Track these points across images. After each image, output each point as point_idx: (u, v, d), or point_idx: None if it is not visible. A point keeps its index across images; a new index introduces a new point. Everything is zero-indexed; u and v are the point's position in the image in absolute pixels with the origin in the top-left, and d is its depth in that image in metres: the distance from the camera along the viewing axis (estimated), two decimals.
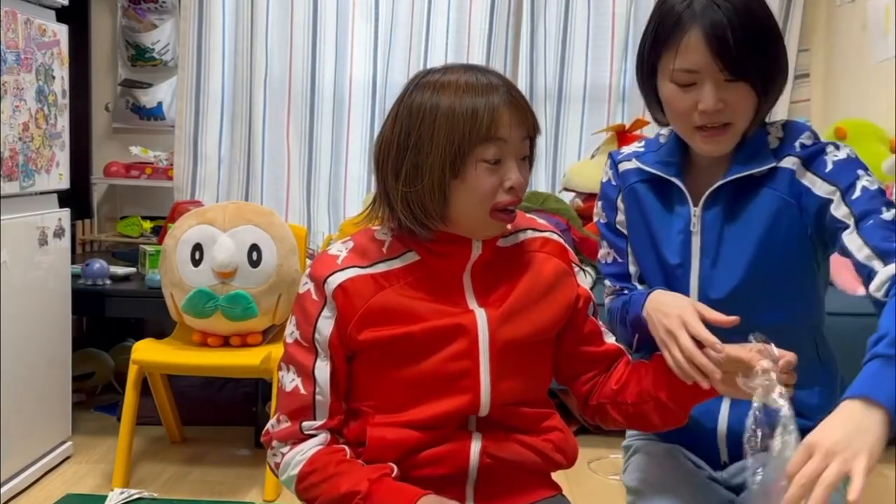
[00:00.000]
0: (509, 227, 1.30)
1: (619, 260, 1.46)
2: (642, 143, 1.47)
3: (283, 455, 1.24)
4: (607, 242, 1.48)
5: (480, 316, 1.23)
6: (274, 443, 1.26)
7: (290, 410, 1.25)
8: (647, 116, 3.73)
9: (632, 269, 1.45)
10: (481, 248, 1.24)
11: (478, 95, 1.17)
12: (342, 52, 3.81)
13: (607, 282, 1.48)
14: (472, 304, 1.24)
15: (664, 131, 1.44)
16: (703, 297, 1.32)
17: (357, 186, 3.89)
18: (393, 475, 1.19)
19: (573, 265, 1.33)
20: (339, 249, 1.27)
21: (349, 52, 3.82)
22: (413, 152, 1.18)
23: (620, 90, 3.87)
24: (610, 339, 1.35)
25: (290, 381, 1.25)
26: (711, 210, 1.35)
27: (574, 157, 3.88)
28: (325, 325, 1.23)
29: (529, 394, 1.28)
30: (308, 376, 1.24)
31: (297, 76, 3.81)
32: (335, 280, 1.23)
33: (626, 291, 1.44)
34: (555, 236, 1.34)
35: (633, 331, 1.38)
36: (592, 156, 3.65)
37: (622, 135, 3.54)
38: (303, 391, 1.24)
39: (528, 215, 1.36)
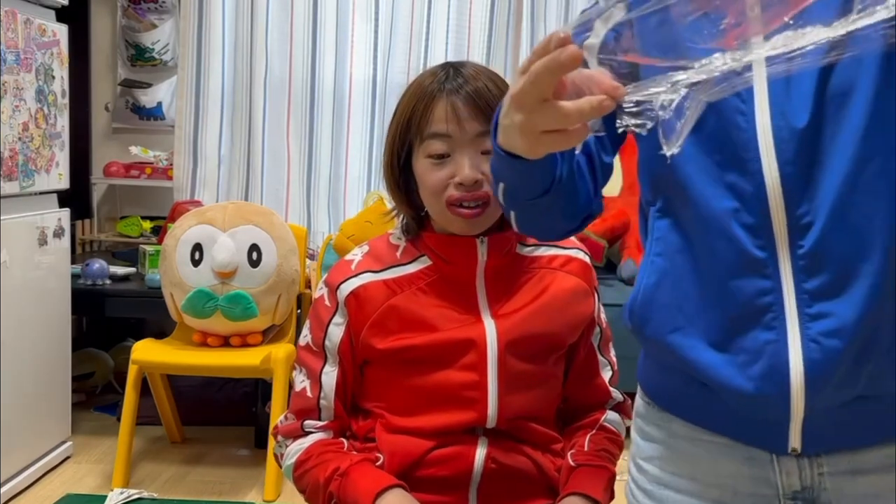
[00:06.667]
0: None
1: None
2: None
3: (287, 447, 1.29)
4: None
5: (490, 329, 1.22)
6: (279, 437, 1.32)
7: (296, 409, 1.30)
8: None
9: None
10: (487, 253, 1.23)
11: (421, 95, 1.21)
12: (342, 52, 3.81)
13: None
14: (484, 313, 1.23)
15: None
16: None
17: (357, 186, 3.88)
18: (377, 463, 1.22)
19: (595, 289, 1.31)
20: (355, 254, 1.30)
21: (349, 52, 3.81)
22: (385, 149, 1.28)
23: None
24: (605, 375, 1.34)
25: (300, 382, 1.30)
26: None
27: None
28: (336, 332, 1.26)
29: (538, 410, 1.27)
30: (315, 381, 1.27)
31: (297, 76, 3.80)
32: (347, 287, 1.25)
33: None
34: (580, 254, 1.31)
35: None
36: None
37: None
38: (309, 394, 1.28)
39: None
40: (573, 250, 1.31)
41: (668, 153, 0.81)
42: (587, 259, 1.32)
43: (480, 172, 1.18)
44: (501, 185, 0.95)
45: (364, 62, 3.82)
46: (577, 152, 0.96)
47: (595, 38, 0.78)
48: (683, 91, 0.74)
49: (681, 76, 0.74)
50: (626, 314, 1.00)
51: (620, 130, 0.79)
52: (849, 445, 0.91)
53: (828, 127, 0.84)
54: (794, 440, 0.89)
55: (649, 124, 0.76)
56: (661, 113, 0.76)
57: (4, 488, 2.49)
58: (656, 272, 0.95)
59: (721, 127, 0.87)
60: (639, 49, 0.82)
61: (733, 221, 0.87)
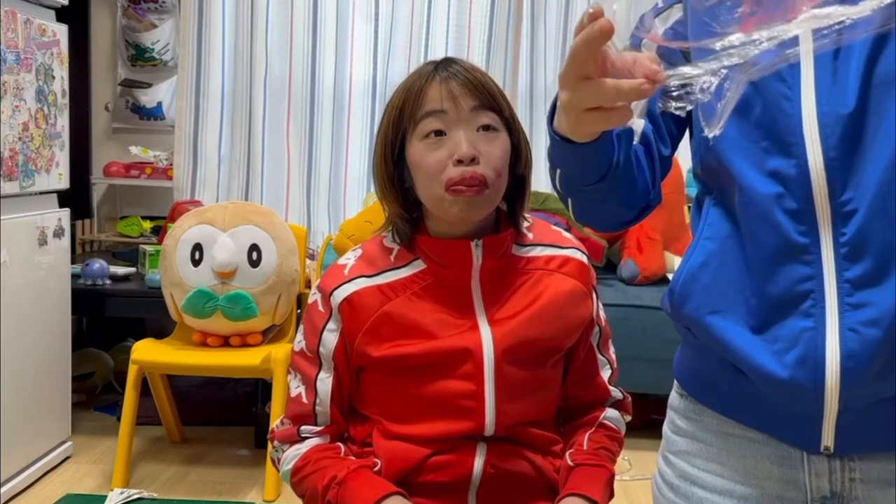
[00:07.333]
0: (531, 236, 1.27)
1: None
2: None
3: (283, 452, 1.29)
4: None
5: (486, 336, 1.20)
6: (275, 442, 1.31)
7: (292, 415, 1.29)
8: None
9: None
10: (482, 255, 1.21)
11: (411, 87, 1.19)
12: (342, 52, 3.81)
13: None
14: (480, 318, 1.21)
15: None
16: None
17: (357, 186, 3.89)
18: (375, 469, 1.21)
19: (594, 289, 1.30)
20: (348, 258, 1.28)
21: (349, 52, 3.82)
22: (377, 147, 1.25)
23: None
24: (604, 374, 1.33)
25: (296, 387, 1.28)
26: None
27: None
28: (330, 338, 1.24)
29: (536, 414, 1.26)
30: (310, 387, 1.26)
31: (297, 76, 3.81)
32: (341, 293, 1.23)
33: None
34: (578, 254, 1.28)
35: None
36: None
37: None
38: (304, 400, 1.26)
39: (554, 228, 1.32)
40: (570, 250, 1.28)
41: (710, 135, 0.81)
42: (584, 259, 1.29)
43: (477, 150, 1.15)
44: (558, 172, 0.96)
45: (364, 62, 3.82)
46: (635, 142, 0.97)
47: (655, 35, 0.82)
48: (723, 72, 0.74)
49: (721, 61, 0.74)
50: (667, 295, 1.00)
51: (660, 111, 0.81)
52: (884, 448, 0.88)
53: (873, 114, 0.83)
54: (827, 437, 0.87)
55: (689, 107, 0.77)
56: (700, 96, 0.76)
57: (4, 488, 2.49)
58: (703, 253, 0.95)
59: (767, 113, 0.87)
60: (690, 39, 0.86)
61: (776, 207, 0.86)
